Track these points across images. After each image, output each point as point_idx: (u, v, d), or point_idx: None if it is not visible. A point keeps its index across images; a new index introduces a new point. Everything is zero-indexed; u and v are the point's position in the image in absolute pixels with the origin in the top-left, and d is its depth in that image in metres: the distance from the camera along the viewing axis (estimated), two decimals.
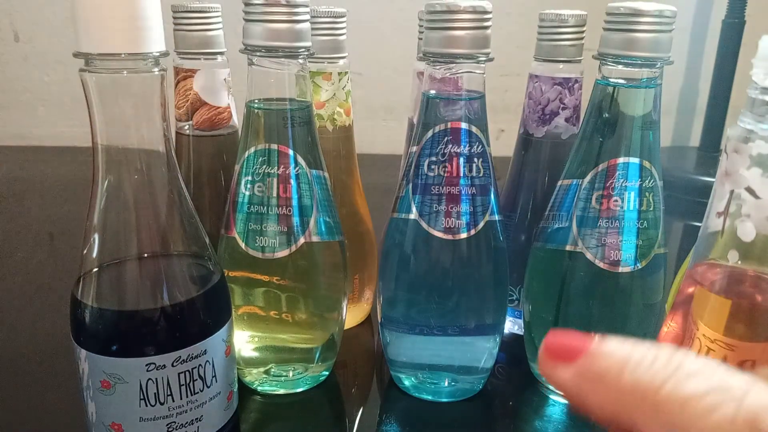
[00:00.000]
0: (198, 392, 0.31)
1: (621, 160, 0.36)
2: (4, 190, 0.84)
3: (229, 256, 0.38)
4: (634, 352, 0.15)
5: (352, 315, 0.50)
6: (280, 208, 0.37)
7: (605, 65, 0.36)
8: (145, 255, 0.30)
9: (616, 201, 0.36)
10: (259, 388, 0.42)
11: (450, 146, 0.36)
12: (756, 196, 0.16)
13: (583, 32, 0.43)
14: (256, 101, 0.37)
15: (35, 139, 1.01)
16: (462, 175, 0.36)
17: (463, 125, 0.36)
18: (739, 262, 0.18)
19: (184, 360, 0.30)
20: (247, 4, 0.34)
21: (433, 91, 0.37)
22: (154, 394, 0.29)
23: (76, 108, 1.00)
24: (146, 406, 0.29)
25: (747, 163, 0.16)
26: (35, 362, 0.46)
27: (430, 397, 0.42)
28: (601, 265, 0.37)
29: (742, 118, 0.18)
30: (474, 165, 0.36)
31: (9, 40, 0.96)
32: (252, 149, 0.37)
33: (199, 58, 0.44)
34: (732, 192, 0.17)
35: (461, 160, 0.36)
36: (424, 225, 0.37)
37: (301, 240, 0.37)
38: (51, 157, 0.97)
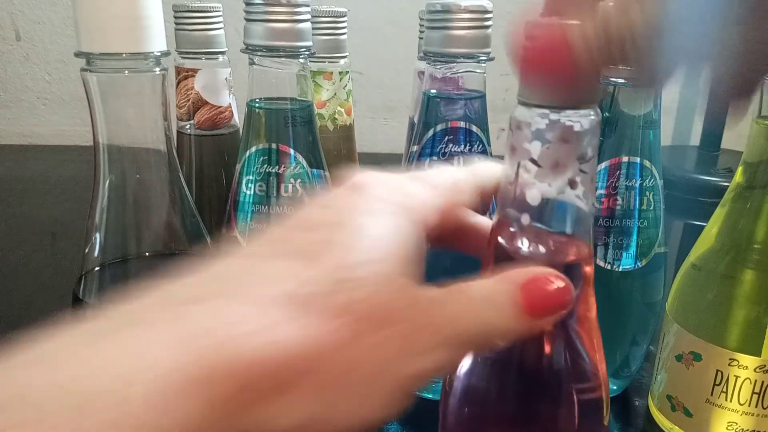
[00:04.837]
0: None
1: (621, 159, 0.36)
2: (6, 188, 0.84)
3: None
4: None
5: None
6: (281, 208, 0.37)
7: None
8: (146, 254, 0.30)
9: (617, 200, 0.36)
10: None
11: (450, 145, 0.36)
12: (538, 165, 0.18)
13: None
14: (257, 101, 0.37)
15: (36, 138, 1.01)
16: None
17: (464, 124, 0.36)
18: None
19: None
20: (248, 4, 0.34)
21: (433, 91, 0.37)
22: None
23: (78, 107, 1.00)
24: None
25: (529, 138, 0.18)
26: None
27: (430, 396, 0.42)
28: (601, 264, 0.37)
29: None
30: None
31: (10, 39, 0.97)
32: (253, 148, 0.37)
33: (201, 58, 0.44)
34: (519, 163, 0.18)
35: (461, 159, 0.36)
36: None
37: None
38: (52, 156, 0.97)
